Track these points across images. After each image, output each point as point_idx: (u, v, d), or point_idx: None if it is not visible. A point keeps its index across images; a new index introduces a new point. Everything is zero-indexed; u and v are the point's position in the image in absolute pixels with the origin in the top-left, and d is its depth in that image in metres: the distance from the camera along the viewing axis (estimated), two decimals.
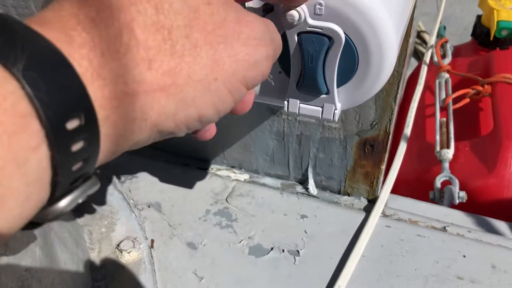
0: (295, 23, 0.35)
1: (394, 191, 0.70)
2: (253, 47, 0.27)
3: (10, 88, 0.18)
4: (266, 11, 0.36)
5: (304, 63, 0.37)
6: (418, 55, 1.79)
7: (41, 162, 0.19)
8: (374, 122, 0.60)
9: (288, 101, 0.41)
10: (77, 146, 0.20)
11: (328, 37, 0.35)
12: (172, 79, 0.23)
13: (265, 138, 0.69)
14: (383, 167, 0.66)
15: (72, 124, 0.20)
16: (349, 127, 0.62)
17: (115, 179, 0.72)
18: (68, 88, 0.20)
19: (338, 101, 0.41)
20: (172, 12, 0.24)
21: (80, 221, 0.66)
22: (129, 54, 0.22)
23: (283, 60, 0.39)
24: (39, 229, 0.50)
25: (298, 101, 0.41)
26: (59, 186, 0.20)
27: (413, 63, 1.69)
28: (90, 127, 0.21)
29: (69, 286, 0.52)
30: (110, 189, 0.71)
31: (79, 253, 0.58)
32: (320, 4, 0.34)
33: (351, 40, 0.36)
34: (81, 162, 0.21)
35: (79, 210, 0.67)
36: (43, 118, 0.18)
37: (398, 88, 0.56)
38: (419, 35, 1.85)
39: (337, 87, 0.40)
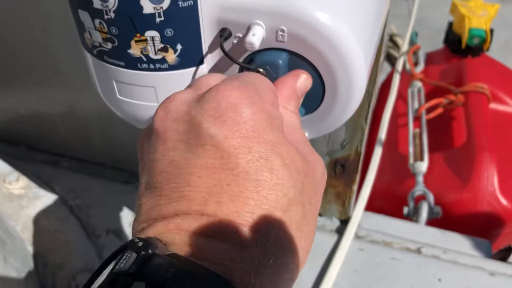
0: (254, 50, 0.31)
1: (368, 204, 0.68)
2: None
3: None
4: (224, 37, 0.32)
5: None
6: (391, 60, 1.78)
7: None
8: (344, 142, 0.57)
9: None
10: None
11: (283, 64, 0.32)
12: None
13: None
14: (355, 187, 0.63)
15: None
16: (319, 147, 0.59)
17: (72, 203, 0.68)
18: None
19: (305, 130, 0.37)
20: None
21: (34, 252, 0.61)
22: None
23: None
24: None
25: None
26: None
27: (386, 67, 1.68)
28: None
29: None
30: (67, 215, 0.66)
31: None
32: (282, 31, 0.31)
33: (316, 69, 0.32)
34: None
35: (34, 241, 0.62)
36: None
37: (369, 108, 0.53)
38: (391, 39, 1.83)
39: (303, 115, 0.36)
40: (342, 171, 0.61)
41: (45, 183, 0.70)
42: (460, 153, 0.86)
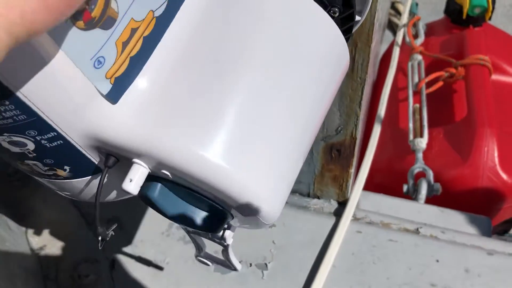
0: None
1: (369, 180, 0.67)
2: None
3: None
4: (108, 166, 0.30)
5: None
6: (393, 27, 1.75)
7: None
8: (339, 128, 0.57)
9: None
10: None
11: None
12: None
13: None
14: (352, 170, 0.63)
15: None
16: None
17: None
18: None
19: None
20: None
21: (35, 243, 0.62)
22: None
23: None
24: None
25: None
26: None
27: (388, 36, 1.65)
28: None
29: None
30: (66, 205, 0.67)
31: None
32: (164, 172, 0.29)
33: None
34: None
35: (35, 232, 0.63)
36: None
37: (362, 94, 0.52)
38: (393, 6, 1.80)
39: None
40: (338, 156, 0.61)
41: None
42: (460, 128, 0.85)
